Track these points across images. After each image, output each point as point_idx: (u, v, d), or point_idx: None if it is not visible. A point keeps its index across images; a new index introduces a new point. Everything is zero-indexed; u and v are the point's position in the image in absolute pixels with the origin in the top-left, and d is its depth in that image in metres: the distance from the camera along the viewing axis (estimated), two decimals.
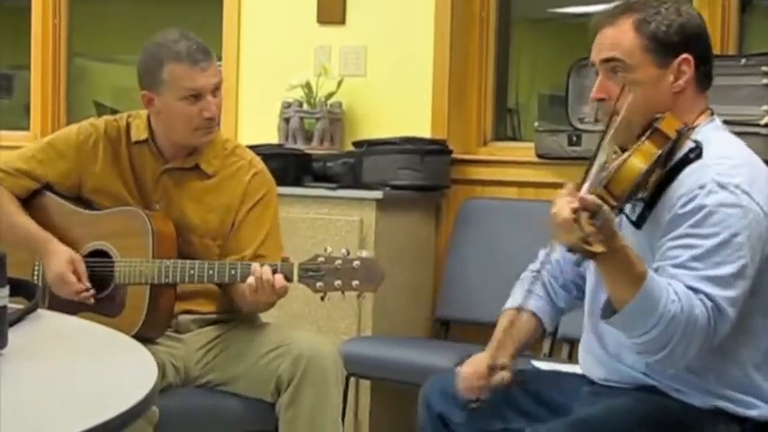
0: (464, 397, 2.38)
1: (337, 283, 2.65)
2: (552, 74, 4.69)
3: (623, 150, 2.16)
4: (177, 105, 2.82)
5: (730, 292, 2.08)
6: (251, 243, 2.89)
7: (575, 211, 1.96)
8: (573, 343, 3.78)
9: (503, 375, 2.36)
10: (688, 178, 2.15)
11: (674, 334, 2.04)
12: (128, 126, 2.95)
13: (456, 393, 2.39)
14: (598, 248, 1.96)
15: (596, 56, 2.28)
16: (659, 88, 2.22)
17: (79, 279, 2.81)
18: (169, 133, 2.90)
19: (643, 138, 2.15)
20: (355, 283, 2.65)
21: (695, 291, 2.07)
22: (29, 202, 2.94)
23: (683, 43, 2.22)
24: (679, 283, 2.08)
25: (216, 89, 2.84)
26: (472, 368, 2.39)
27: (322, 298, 2.68)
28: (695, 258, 2.09)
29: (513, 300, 2.48)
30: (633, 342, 2.13)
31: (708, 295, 2.06)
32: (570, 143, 3.98)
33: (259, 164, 3.00)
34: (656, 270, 2.12)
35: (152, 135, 2.92)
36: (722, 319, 2.08)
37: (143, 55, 2.88)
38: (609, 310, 2.11)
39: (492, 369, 2.35)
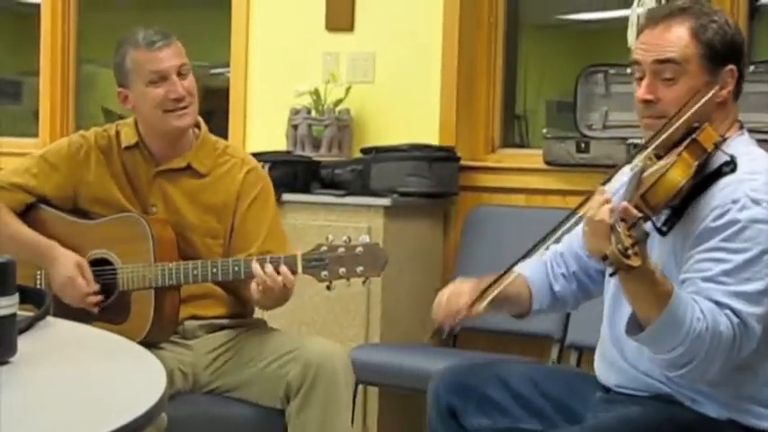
0: (439, 324, 2.33)
1: (342, 270, 2.65)
2: (560, 80, 4.69)
3: (657, 156, 2.16)
4: (146, 92, 2.86)
5: (758, 309, 2.08)
6: (256, 239, 2.89)
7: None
8: (582, 350, 3.77)
9: (478, 308, 2.28)
10: (721, 192, 2.14)
11: (698, 351, 2.05)
12: (117, 134, 2.98)
13: (436, 323, 2.34)
14: (635, 261, 1.92)
15: (645, 56, 2.24)
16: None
17: (87, 283, 2.82)
18: (148, 126, 2.92)
19: (681, 148, 2.13)
20: (360, 269, 2.65)
21: (722, 306, 2.07)
22: (26, 216, 2.95)
23: (731, 54, 2.22)
24: (704, 299, 2.07)
25: (181, 72, 2.87)
26: (454, 296, 2.32)
27: (328, 287, 2.68)
28: (725, 273, 2.09)
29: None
30: (657, 357, 2.12)
31: (735, 311, 2.07)
32: (579, 150, 3.97)
33: (252, 161, 3.01)
34: (683, 281, 2.12)
35: (141, 139, 2.95)
36: (748, 335, 2.08)
37: (113, 56, 2.93)
38: (633, 326, 2.10)
39: (473, 304, 2.28)
